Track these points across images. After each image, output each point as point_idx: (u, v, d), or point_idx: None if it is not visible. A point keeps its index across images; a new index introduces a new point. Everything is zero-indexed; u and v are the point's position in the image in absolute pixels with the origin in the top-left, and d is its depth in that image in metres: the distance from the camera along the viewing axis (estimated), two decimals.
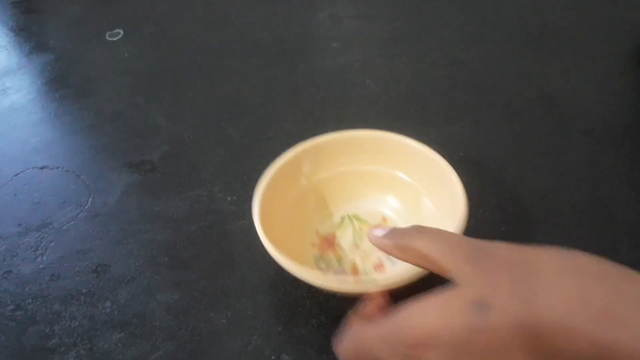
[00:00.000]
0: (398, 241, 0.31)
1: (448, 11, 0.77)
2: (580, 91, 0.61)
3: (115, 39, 0.69)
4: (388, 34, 0.72)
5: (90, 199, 0.52)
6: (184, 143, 0.57)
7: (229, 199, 0.51)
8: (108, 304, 0.44)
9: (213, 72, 0.65)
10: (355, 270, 0.44)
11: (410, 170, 0.47)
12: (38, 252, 0.48)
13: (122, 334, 0.42)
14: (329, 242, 0.46)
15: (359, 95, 0.63)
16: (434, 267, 0.29)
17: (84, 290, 0.45)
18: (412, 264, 0.31)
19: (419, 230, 0.31)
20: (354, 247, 0.46)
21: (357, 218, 0.48)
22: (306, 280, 0.35)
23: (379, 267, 0.44)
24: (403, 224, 0.47)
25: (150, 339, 0.41)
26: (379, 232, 0.34)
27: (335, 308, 0.42)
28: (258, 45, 0.68)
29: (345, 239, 0.47)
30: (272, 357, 0.39)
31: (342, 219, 0.48)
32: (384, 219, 0.48)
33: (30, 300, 0.45)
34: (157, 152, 0.56)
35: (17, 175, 0.54)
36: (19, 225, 0.50)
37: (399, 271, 0.34)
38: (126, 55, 0.67)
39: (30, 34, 0.72)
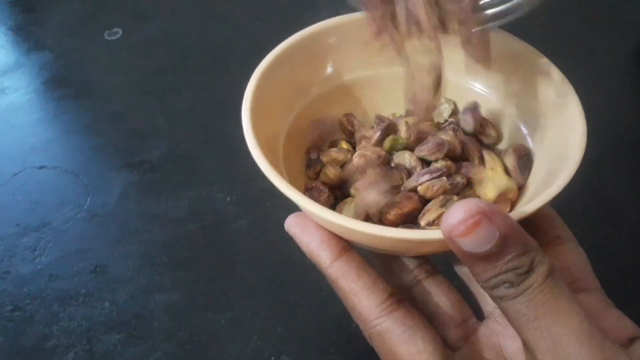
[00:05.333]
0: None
1: None
2: (581, 91, 0.61)
3: (114, 38, 0.69)
4: None
5: (89, 199, 0.52)
6: (183, 143, 0.57)
7: (228, 199, 0.51)
8: (107, 304, 0.44)
9: (212, 71, 0.64)
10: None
11: (494, 77, 0.31)
12: (36, 253, 0.48)
13: (121, 334, 0.42)
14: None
15: None
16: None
17: (82, 291, 0.45)
18: None
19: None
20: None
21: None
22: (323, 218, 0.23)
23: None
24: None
25: (149, 339, 0.41)
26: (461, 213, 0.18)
27: (336, 309, 0.42)
28: (258, 45, 0.68)
29: None
30: (272, 358, 0.39)
31: None
32: None
33: (28, 300, 0.45)
34: (156, 152, 0.56)
35: (15, 175, 0.54)
36: (18, 225, 0.50)
37: None
38: (125, 54, 0.67)
39: (29, 33, 0.72)
